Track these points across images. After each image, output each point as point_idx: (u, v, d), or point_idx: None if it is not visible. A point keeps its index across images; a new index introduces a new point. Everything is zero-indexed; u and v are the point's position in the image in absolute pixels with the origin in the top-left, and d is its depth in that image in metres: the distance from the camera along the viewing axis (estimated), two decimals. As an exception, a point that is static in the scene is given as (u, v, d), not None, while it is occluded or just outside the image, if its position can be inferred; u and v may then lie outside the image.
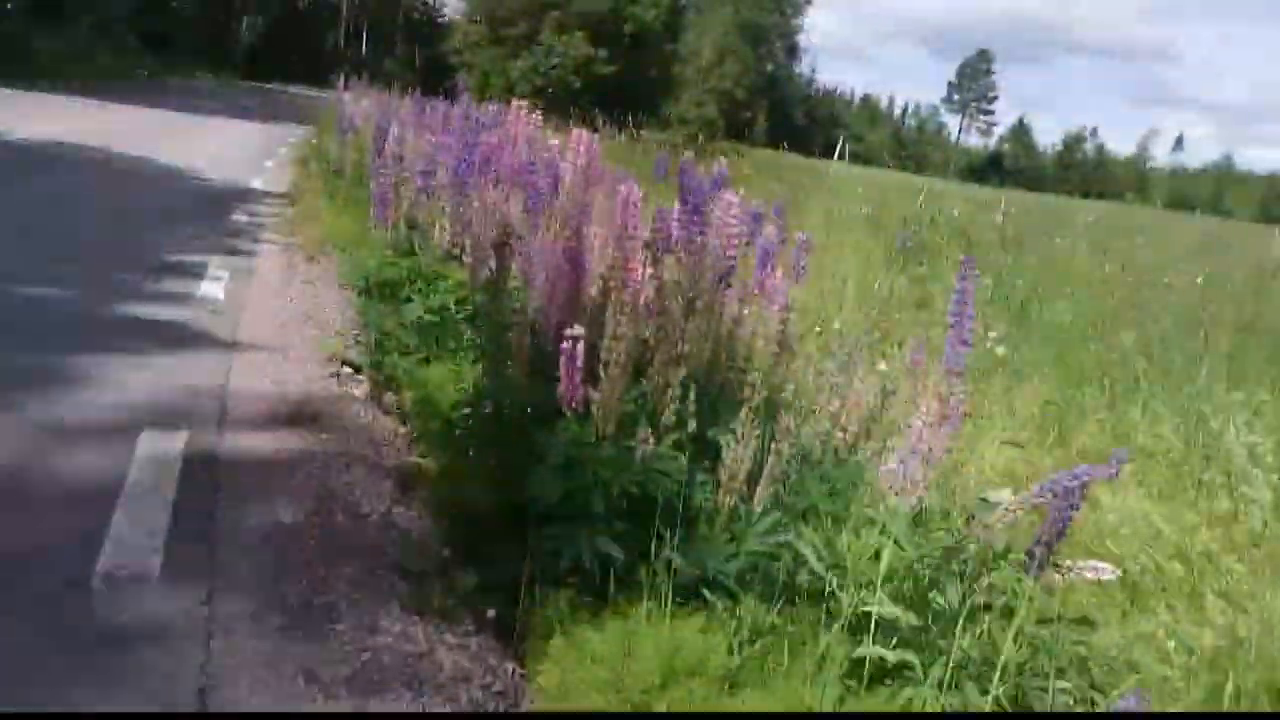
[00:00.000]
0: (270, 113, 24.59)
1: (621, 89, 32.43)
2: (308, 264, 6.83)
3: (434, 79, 16.87)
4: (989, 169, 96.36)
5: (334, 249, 6.94)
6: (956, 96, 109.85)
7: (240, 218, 8.58)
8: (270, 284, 6.13)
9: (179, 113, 20.12)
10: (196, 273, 6.08)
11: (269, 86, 43.33)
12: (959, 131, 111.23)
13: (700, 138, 27.76)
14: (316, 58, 56.15)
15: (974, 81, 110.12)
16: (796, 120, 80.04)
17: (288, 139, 17.54)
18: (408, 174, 5.88)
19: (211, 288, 5.75)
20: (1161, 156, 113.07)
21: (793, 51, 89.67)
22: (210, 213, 8.62)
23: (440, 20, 64.66)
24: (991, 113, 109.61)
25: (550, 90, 32.13)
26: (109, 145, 12.01)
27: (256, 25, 55.69)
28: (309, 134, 17.65)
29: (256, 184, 11.19)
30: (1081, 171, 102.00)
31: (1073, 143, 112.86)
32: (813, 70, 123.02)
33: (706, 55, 57.55)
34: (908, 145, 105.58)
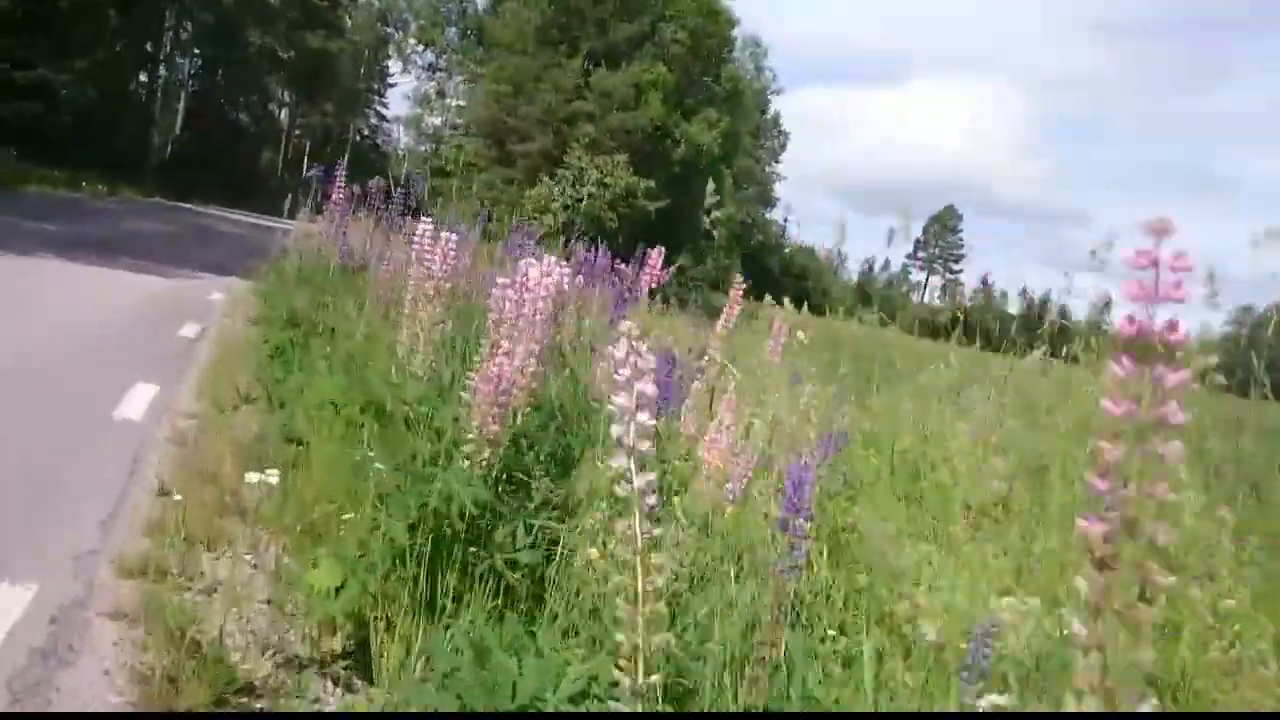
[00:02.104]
0: (173, 249, 15.04)
1: (668, 228, 23.86)
2: None
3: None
4: (952, 326, 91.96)
5: None
6: (923, 253, 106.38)
7: None
8: None
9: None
10: None
11: (185, 205, 33.42)
12: (924, 287, 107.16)
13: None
14: (250, 177, 46.98)
15: (940, 239, 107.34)
16: (772, 270, 73.88)
17: (190, 324, 8.05)
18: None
19: None
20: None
21: (766, 199, 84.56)
22: None
23: (383, 146, 58.24)
24: (960, 270, 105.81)
25: (577, 226, 23.41)
26: None
27: (176, 133, 46.33)
28: (244, 309, 8.28)
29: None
30: (1048, 334, 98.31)
31: (1039, 306, 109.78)
32: (785, 219, 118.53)
33: (707, 199, 50.49)
34: (873, 299, 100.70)
